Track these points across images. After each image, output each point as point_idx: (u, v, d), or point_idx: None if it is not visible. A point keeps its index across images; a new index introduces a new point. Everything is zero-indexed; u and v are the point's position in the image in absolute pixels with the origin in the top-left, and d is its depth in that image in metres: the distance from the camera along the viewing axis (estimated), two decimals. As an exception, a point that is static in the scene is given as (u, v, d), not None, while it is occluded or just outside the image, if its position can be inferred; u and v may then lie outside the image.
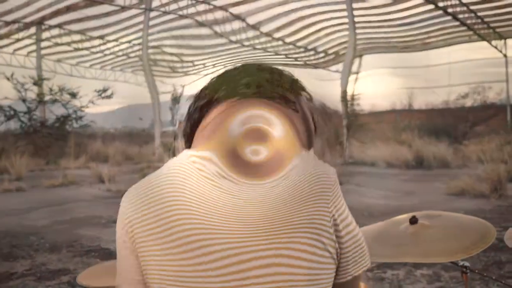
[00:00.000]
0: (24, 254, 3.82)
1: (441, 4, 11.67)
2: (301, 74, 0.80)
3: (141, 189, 0.75)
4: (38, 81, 12.67)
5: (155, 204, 0.72)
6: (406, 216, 1.39)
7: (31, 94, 12.50)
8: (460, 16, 12.73)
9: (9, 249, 3.98)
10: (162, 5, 13.36)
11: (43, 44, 14.89)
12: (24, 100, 12.48)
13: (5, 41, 14.90)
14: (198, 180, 0.73)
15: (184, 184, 0.73)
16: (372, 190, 6.89)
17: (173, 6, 13.51)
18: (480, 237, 1.25)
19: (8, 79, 12.07)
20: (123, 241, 0.74)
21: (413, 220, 1.32)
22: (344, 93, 11.89)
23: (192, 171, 0.74)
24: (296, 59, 18.40)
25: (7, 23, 13.35)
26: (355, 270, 0.76)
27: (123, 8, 13.22)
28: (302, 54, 18.39)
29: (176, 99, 12.50)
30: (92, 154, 12.32)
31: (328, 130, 10.12)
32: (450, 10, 12.01)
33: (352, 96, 12.10)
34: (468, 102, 15.02)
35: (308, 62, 18.90)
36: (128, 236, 0.73)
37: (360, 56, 17.92)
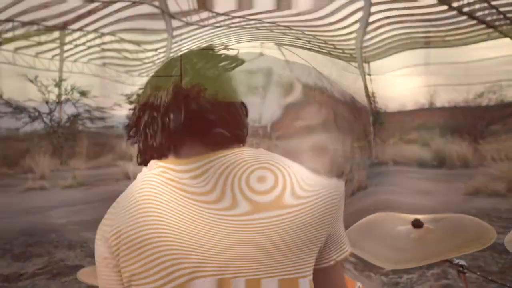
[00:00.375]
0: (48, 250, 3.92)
1: (455, 4, 11.39)
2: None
3: (121, 205, 0.76)
4: (58, 83, 13.08)
5: (134, 221, 0.73)
6: (404, 217, 1.38)
7: (53, 96, 12.89)
8: (479, 13, 12.46)
9: (29, 247, 4.09)
10: (183, 14, 13.54)
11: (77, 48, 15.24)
12: (47, 102, 12.90)
13: (25, 43, 15.19)
14: (171, 192, 0.74)
15: (157, 198, 0.74)
16: (399, 191, 6.80)
17: (195, 18, 13.71)
18: (475, 237, 1.26)
19: (31, 81, 12.43)
20: (104, 258, 0.75)
21: (417, 224, 1.32)
22: (366, 88, 11.56)
23: (162, 182, 0.75)
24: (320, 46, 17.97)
25: (24, 24, 13.61)
26: (337, 255, 0.81)
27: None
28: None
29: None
30: (120, 153, 12.56)
31: (358, 127, 9.76)
32: (466, 9, 11.74)
33: (373, 93, 11.81)
34: (484, 101, 14.70)
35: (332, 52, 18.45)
36: (111, 251, 0.74)
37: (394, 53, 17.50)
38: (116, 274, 0.75)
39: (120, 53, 16.18)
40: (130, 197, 0.76)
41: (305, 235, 0.74)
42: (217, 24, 13.08)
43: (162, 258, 0.71)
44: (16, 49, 14.93)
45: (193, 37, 16.14)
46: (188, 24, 13.80)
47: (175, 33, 14.44)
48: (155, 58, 18.50)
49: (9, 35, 12.53)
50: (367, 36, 12.54)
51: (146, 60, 18.80)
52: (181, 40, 15.87)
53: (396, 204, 5.37)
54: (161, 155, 0.78)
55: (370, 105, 11.18)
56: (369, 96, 11.20)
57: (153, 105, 0.77)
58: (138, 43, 14.58)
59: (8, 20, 11.90)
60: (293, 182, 0.76)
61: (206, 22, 13.65)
